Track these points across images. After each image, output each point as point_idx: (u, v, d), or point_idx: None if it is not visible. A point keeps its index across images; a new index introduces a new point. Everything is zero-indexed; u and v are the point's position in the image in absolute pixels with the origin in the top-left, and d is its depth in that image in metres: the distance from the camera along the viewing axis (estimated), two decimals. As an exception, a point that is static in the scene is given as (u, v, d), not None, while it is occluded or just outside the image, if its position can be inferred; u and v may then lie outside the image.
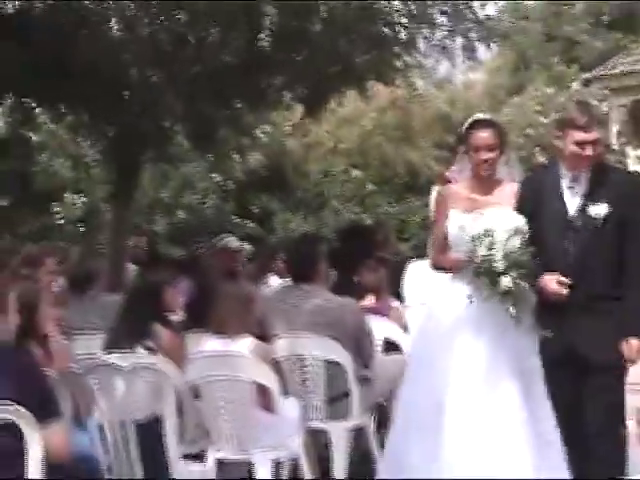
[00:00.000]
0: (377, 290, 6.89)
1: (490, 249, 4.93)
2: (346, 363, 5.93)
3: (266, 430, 5.46)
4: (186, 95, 7.88)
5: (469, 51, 9.04)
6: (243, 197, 16.75)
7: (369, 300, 6.76)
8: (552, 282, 4.86)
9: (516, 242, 4.91)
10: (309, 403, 5.98)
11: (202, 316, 5.95)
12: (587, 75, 17.10)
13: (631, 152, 13.71)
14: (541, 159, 17.42)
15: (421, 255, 8.42)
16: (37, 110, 9.14)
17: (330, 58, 8.23)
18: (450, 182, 5.82)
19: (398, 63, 9.17)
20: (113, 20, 7.80)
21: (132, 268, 9.08)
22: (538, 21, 8.46)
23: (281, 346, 5.88)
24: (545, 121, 17.99)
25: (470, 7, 8.55)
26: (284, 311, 6.13)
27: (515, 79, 23.72)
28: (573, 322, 4.85)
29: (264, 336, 5.69)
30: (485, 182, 5.31)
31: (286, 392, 5.66)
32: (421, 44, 9.05)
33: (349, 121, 18.43)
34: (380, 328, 6.38)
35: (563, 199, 4.94)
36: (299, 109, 10.80)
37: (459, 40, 8.83)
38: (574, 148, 4.87)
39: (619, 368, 4.88)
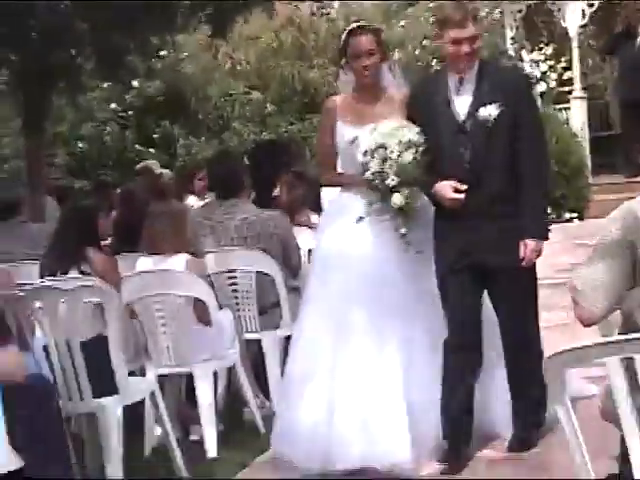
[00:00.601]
0: (296, 205, 7.05)
1: (383, 164, 4.85)
2: (275, 274, 6.15)
3: (203, 342, 5.65)
4: (93, 22, 7.83)
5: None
6: (143, 124, 16.62)
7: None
8: (447, 188, 4.81)
9: (409, 156, 4.83)
10: (242, 315, 6.21)
11: (132, 238, 6.06)
12: (479, -16, 17.29)
13: (526, 56, 14.00)
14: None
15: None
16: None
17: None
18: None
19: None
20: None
21: (49, 200, 9.09)
22: None
23: (212, 261, 6.06)
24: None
25: None
26: (211, 227, 6.30)
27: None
28: (471, 227, 4.81)
29: (196, 252, 5.84)
30: (371, 91, 5.21)
31: (220, 305, 5.85)
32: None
33: (249, 41, 18.33)
34: (305, 239, 6.59)
35: (452, 104, 4.85)
36: (198, 36, 10.68)
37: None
38: (452, 46, 4.79)
39: (521, 269, 4.83)
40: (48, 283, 5.10)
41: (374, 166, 4.87)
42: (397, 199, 4.87)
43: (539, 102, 12.21)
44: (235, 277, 6.18)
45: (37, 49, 8.07)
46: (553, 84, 13.60)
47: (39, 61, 8.32)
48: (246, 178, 6.46)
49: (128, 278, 5.58)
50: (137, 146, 16.22)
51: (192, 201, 8.20)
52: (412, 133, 4.87)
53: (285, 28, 17.63)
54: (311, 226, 6.70)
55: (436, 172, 4.87)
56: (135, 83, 15.70)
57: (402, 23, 19.32)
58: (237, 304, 6.19)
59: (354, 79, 5.22)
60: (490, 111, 4.75)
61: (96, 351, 4.97)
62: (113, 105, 16.26)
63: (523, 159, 4.81)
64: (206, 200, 7.48)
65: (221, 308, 5.87)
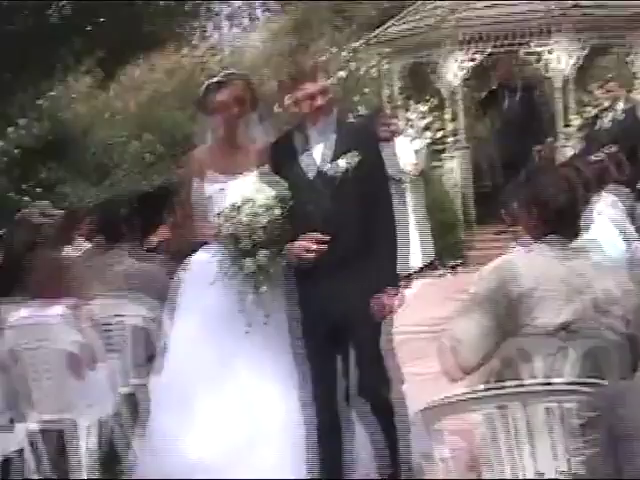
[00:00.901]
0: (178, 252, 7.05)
1: (250, 218, 4.66)
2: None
3: (80, 393, 5.56)
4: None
5: (251, 18, 9.29)
6: (28, 165, 16.38)
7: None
8: (305, 240, 4.72)
9: (277, 211, 4.67)
10: (127, 362, 6.12)
11: (9, 286, 5.96)
12: (366, 36, 17.53)
13: (412, 106, 14.18)
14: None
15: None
16: None
17: (120, 29, 8.26)
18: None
19: (183, 32, 9.30)
20: None
21: None
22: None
23: (97, 307, 5.97)
24: (330, 81, 18.36)
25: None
26: (97, 272, 6.23)
27: (297, 40, 24.01)
28: (324, 285, 4.72)
29: (79, 299, 5.75)
30: (230, 144, 5.05)
31: (105, 351, 5.77)
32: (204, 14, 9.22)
33: (134, 89, 18.28)
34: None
35: (304, 160, 4.80)
36: (86, 79, 10.73)
37: (237, 5, 9.05)
38: (305, 103, 4.73)
39: (373, 324, 4.71)
40: None
41: (227, 227, 4.69)
42: (249, 263, 4.70)
43: (416, 157, 12.42)
44: (122, 322, 6.08)
45: None
46: (439, 134, 13.84)
47: None
48: (130, 225, 6.45)
49: (5, 328, 5.47)
50: (23, 185, 15.95)
51: (80, 244, 8.08)
52: (281, 187, 4.73)
53: (169, 78, 17.65)
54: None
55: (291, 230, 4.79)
56: (21, 121, 15.48)
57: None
58: (123, 350, 6.09)
59: (217, 129, 5.07)
60: (338, 165, 4.73)
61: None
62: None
63: (374, 210, 4.80)
64: (94, 243, 7.41)
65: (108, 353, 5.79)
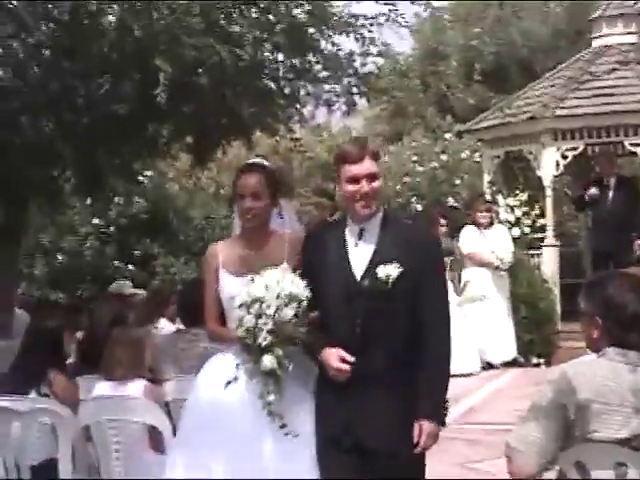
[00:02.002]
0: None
1: (257, 320, 4.28)
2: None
3: (155, 470, 5.63)
4: (76, 143, 8.01)
5: (349, 104, 9.43)
6: (125, 241, 16.79)
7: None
8: (333, 357, 4.22)
9: (289, 312, 4.27)
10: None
11: (95, 360, 6.10)
12: (461, 127, 17.74)
13: (502, 201, 14.30)
14: (418, 207, 17.97)
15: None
16: None
17: (217, 110, 8.48)
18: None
19: (281, 115, 9.48)
20: (1, 69, 7.88)
21: (19, 313, 9.11)
22: (415, 78, 8.86)
23: (170, 389, 6.07)
24: (421, 170, 18.53)
25: (353, 61, 8.93)
26: (174, 355, 6.34)
27: (392, 128, 24.37)
28: (354, 400, 4.20)
29: (154, 379, 5.87)
30: (255, 235, 4.66)
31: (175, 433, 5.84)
32: (304, 96, 9.38)
33: (231, 167, 18.68)
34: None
35: (348, 259, 4.29)
36: (185, 157, 11.00)
37: (340, 91, 9.18)
38: (349, 186, 4.27)
39: (409, 455, 4.17)
40: (3, 404, 5.11)
41: (247, 322, 4.32)
42: (268, 361, 4.29)
43: (512, 247, 12.44)
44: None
45: (18, 163, 8.22)
46: (527, 230, 13.86)
47: (19, 175, 8.48)
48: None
49: (85, 402, 5.60)
50: (116, 262, 16.35)
51: (163, 324, 8.23)
52: (295, 285, 4.32)
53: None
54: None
55: (324, 332, 4.31)
56: (119, 200, 15.95)
57: (385, 159, 19.73)
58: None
59: (239, 220, 4.72)
60: (389, 270, 4.18)
61: (45, 475, 4.96)
62: (96, 220, 16.45)
63: (424, 332, 4.22)
64: (176, 326, 7.54)
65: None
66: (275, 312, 4.25)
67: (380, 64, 9.43)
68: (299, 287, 4.30)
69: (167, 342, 6.51)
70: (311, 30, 8.58)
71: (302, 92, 9.25)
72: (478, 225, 12.49)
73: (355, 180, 4.25)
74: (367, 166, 4.24)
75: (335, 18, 8.54)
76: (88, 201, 14.59)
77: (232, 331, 4.44)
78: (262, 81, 8.76)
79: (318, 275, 4.32)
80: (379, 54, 8.97)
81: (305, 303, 4.28)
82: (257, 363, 4.31)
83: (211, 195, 18.75)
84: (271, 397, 4.29)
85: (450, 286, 12.40)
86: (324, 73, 8.98)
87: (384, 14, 8.62)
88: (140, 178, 13.94)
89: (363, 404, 4.19)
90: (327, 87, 9.21)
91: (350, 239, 4.33)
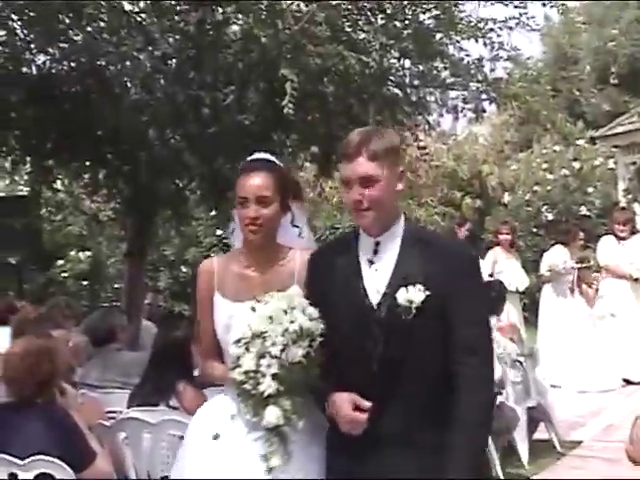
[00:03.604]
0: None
1: (259, 361, 3.42)
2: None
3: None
4: (203, 154, 8.02)
5: (478, 110, 9.22)
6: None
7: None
8: (345, 404, 3.35)
9: (298, 352, 3.41)
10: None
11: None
12: (594, 133, 17.28)
13: (638, 209, 13.83)
14: (549, 217, 17.55)
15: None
16: (56, 170, 9.31)
17: (343, 119, 8.38)
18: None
19: (408, 122, 9.32)
20: (130, 82, 7.95)
21: (146, 324, 9.18)
22: (546, 83, 8.56)
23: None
24: (552, 178, 18.11)
25: (482, 67, 8.71)
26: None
27: (521, 135, 23.93)
28: (372, 461, 3.36)
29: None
30: (259, 251, 3.75)
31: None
32: (431, 104, 9.21)
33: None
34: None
35: (361, 282, 3.40)
36: (309, 166, 10.95)
37: (468, 97, 8.98)
38: (345, 190, 3.43)
39: None
40: (134, 414, 5.11)
41: (246, 363, 3.44)
42: (272, 416, 3.44)
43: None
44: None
45: (146, 177, 8.30)
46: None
47: (147, 190, 8.56)
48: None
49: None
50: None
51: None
52: (307, 316, 3.45)
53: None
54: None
55: (333, 373, 3.44)
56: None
57: (514, 167, 19.37)
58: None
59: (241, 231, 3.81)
60: (413, 294, 3.31)
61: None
62: (219, 231, 16.58)
63: (457, 376, 3.33)
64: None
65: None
66: (282, 351, 3.40)
67: (510, 69, 9.17)
68: (312, 318, 3.44)
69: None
70: (438, 35, 8.39)
71: (429, 99, 9.07)
72: (617, 237, 12.07)
73: (347, 183, 3.40)
74: (361, 167, 3.33)
75: (463, 23, 8.33)
76: (212, 212, 14.70)
77: (229, 371, 3.56)
78: (388, 88, 8.61)
79: (325, 303, 3.43)
80: (508, 59, 8.72)
81: (318, 340, 3.43)
82: (258, 416, 3.47)
83: (335, 205, 18.70)
84: (275, 461, 3.46)
85: (582, 299, 12.05)
86: (451, 79, 8.78)
87: (514, 17, 8.36)
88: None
89: (382, 467, 3.35)
90: (454, 94, 9.01)
91: (363, 257, 3.44)
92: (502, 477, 7.24)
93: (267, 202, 3.66)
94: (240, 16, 7.73)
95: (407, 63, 8.71)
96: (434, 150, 18.62)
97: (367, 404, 3.33)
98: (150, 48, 7.61)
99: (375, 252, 3.42)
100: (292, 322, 3.41)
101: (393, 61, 8.57)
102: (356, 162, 3.34)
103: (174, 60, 7.92)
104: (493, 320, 8.22)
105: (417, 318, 3.30)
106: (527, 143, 22.22)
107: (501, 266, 11.99)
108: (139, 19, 7.89)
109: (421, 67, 8.67)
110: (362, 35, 7.97)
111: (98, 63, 7.82)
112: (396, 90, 8.78)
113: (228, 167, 8.01)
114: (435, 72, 8.65)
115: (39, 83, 7.98)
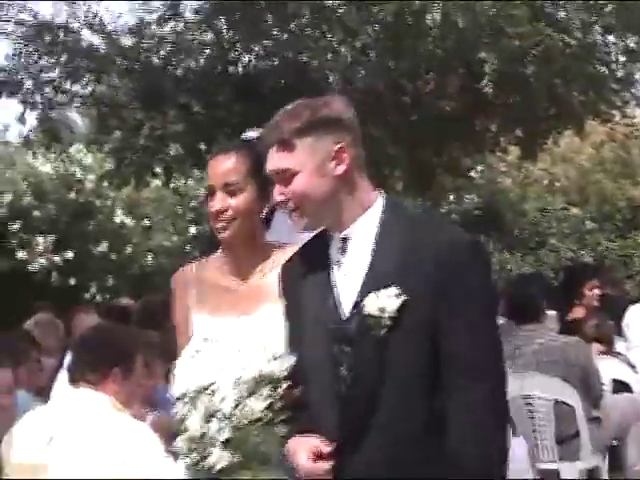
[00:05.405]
0: (601, 332, 6.84)
1: (207, 424, 2.66)
2: (575, 403, 5.93)
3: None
4: (404, 143, 8.10)
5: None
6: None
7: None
8: (302, 452, 2.57)
9: (257, 405, 2.64)
10: (539, 443, 6.01)
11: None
12: None
13: None
14: None
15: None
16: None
17: (546, 100, 8.26)
18: None
19: (616, 100, 9.09)
20: (331, 75, 8.12)
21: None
22: None
23: (508, 386, 5.95)
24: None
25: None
26: (509, 351, 6.21)
27: None
28: None
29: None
30: (237, 253, 3.01)
31: (515, 431, 5.71)
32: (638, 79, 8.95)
33: (565, 159, 18.21)
34: (608, 367, 6.34)
35: (332, 289, 2.64)
36: (514, 149, 10.85)
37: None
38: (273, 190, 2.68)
39: None
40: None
41: (193, 426, 2.68)
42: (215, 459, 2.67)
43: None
44: (531, 404, 6.02)
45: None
46: None
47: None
48: (546, 301, 6.36)
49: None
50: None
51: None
52: (268, 356, 2.70)
53: (604, 144, 17.37)
54: (614, 354, 6.47)
55: (305, 410, 2.68)
56: (450, 197, 16.01)
57: None
58: (534, 431, 6.01)
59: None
60: (387, 301, 2.51)
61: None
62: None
63: (447, 409, 2.50)
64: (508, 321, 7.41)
65: (517, 434, 5.72)
66: (235, 407, 2.63)
67: None
68: (276, 357, 2.68)
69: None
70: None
71: (638, 74, 8.81)
72: None
73: (272, 179, 2.68)
74: (271, 160, 2.64)
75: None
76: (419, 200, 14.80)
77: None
78: (593, 66, 8.42)
79: (299, 323, 2.70)
80: None
81: (284, 384, 2.65)
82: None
83: (545, 187, 18.39)
84: None
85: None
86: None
87: None
88: (471, 174, 13.98)
89: None
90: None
91: (334, 258, 2.67)
92: None
93: (236, 190, 2.95)
94: (437, 2, 7.75)
95: (612, 38, 8.48)
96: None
97: (327, 450, 2.55)
98: (350, 40, 7.74)
99: (343, 251, 2.64)
100: (244, 369, 2.66)
101: (597, 37, 8.37)
102: (269, 155, 2.65)
103: (373, 50, 8.02)
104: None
105: (394, 332, 2.50)
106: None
107: None
108: (338, 13, 8.04)
109: (628, 42, 8.43)
110: (562, 13, 7.83)
111: (300, 58, 8.04)
112: (602, 67, 8.58)
113: (432, 154, 8.06)
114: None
115: (245, 81, 8.27)
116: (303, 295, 2.68)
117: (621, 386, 6.46)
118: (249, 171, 2.96)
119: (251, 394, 2.63)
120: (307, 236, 2.77)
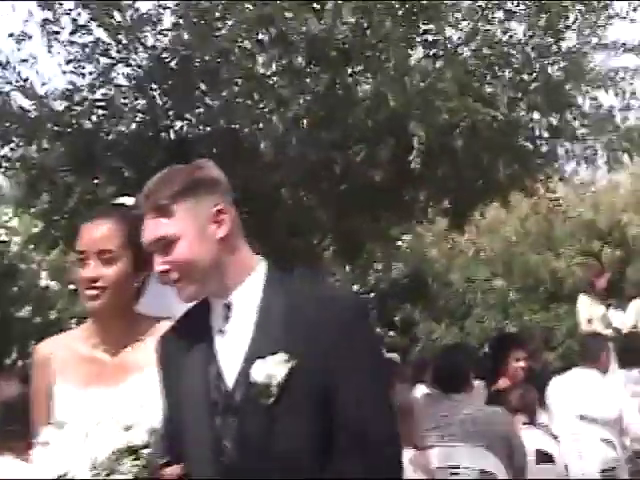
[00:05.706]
0: (525, 403, 6.91)
1: None
2: (500, 473, 5.97)
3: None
4: (334, 212, 8.18)
5: (611, 161, 9.11)
6: (385, 307, 16.95)
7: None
8: None
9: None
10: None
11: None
12: None
13: None
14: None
15: (568, 366, 8.44)
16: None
17: (473, 173, 8.43)
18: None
19: (540, 175, 9.32)
20: (263, 143, 8.19)
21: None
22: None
23: (435, 456, 5.97)
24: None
25: (613, 117, 8.64)
26: (435, 421, 6.24)
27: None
28: None
29: (420, 446, 5.79)
30: (108, 324, 2.92)
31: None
32: (562, 155, 9.17)
33: (491, 230, 18.48)
34: (532, 438, 6.40)
35: (215, 359, 2.52)
36: (441, 220, 11.01)
37: (600, 148, 8.90)
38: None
39: None
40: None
41: None
42: None
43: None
44: (458, 474, 6.05)
45: (280, 238, 8.50)
46: None
47: (282, 248, 8.75)
48: (473, 371, 6.42)
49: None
50: (377, 327, 16.54)
51: (422, 390, 8.16)
52: (119, 427, 2.46)
53: (529, 217, 17.70)
54: (538, 425, 6.54)
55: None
56: (378, 266, 16.15)
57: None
58: (460, 501, 6.04)
59: None
60: (272, 368, 2.40)
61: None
62: (355, 287, 16.74)
63: (340, 468, 2.39)
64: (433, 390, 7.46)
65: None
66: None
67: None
68: (127, 427, 2.44)
69: (426, 408, 6.43)
70: (567, 86, 8.38)
71: (560, 151, 9.04)
72: None
73: (148, 249, 2.55)
74: (147, 229, 2.53)
75: (593, 73, 8.30)
76: (347, 268, 14.88)
77: None
78: (518, 141, 8.63)
79: (176, 398, 2.56)
80: (642, 107, 8.61)
81: (146, 451, 2.42)
82: None
83: (471, 258, 18.62)
84: None
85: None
86: (583, 130, 8.73)
87: (645, 65, 8.30)
88: (399, 243, 14.12)
89: None
90: (587, 144, 8.95)
91: (215, 327, 2.56)
92: None
93: (111, 259, 2.84)
94: (369, 74, 7.90)
95: (536, 115, 8.70)
96: (570, 201, 18.40)
97: None
98: (282, 109, 7.83)
99: (226, 318, 2.52)
100: (97, 449, 2.39)
101: (522, 114, 8.59)
102: (145, 224, 2.53)
103: (305, 120, 8.12)
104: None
105: (282, 400, 2.38)
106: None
107: None
108: (271, 82, 8.14)
109: (551, 119, 8.66)
110: (489, 89, 8.03)
111: (232, 126, 8.10)
112: (526, 143, 8.80)
113: (362, 223, 8.14)
114: (565, 123, 8.62)
115: (177, 147, 8.30)
116: (183, 367, 2.55)
117: (544, 457, 6.51)
118: (125, 239, 2.85)
119: (110, 473, 2.37)
120: (180, 306, 2.66)
